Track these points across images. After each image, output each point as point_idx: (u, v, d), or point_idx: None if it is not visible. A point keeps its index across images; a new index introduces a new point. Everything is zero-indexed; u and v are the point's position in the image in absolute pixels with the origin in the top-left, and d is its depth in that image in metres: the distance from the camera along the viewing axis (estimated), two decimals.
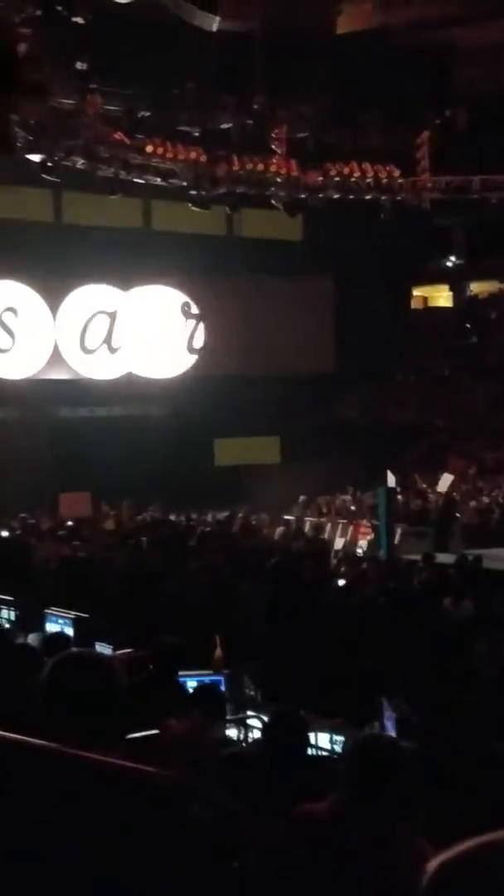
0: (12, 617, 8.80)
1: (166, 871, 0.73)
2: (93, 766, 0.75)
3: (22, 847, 0.69)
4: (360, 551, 14.94)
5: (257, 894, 2.68)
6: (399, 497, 16.61)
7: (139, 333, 20.56)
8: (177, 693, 5.45)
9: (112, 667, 2.44)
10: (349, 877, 2.98)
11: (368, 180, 16.21)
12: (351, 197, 16.21)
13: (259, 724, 5.66)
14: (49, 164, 14.86)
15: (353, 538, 15.93)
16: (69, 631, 7.69)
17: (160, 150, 15.20)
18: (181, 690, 5.63)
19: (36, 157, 14.72)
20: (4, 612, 8.98)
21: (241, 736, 5.91)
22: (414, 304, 25.66)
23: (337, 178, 16.07)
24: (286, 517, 17.27)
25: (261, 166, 15.78)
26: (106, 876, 0.71)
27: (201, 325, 21.13)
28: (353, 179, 16.11)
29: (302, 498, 18.53)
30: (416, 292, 25.76)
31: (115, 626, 7.80)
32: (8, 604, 9.14)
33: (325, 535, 15.94)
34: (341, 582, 11.34)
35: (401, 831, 3.12)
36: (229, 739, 5.47)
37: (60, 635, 7.25)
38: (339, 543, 15.48)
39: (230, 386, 20.63)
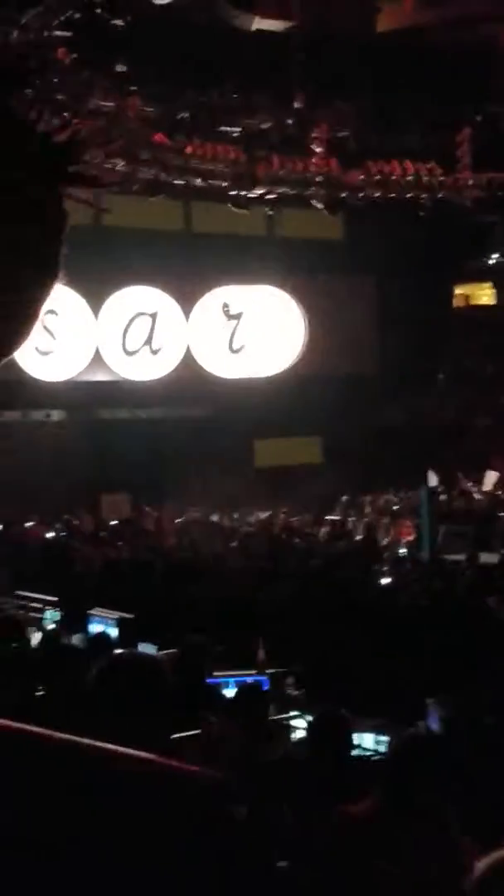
0: (57, 618, 8.86)
1: (209, 872, 0.71)
2: (142, 766, 0.74)
3: (63, 844, 0.68)
4: (402, 551, 14.86)
5: (300, 894, 2.66)
6: (442, 497, 16.50)
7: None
8: (204, 692, 5.45)
9: (160, 667, 2.44)
10: (391, 877, 2.96)
11: (409, 178, 16.09)
12: (392, 195, 16.09)
13: (303, 725, 5.64)
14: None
15: (395, 538, 15.85)
16: (113, 631, 7.73)
17: (200, 151, 15.21)
18: (209, 689, 5.63)
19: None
20: (49, 614, 9.05)
21: (285, 737, 5.89)
22: (456, 303, 25.44)
23: (378, 177, 15.97)
24: (328, 517, 17.23)
25: (301, 166, 15.72)
26: (147, 875, 0.69)
27: (241, 326, 21.16)
28: (393, 178, 16.00)
29: (344, 498, 18.47)
30: (458, 290, 25.53)
31: (158, 627, 7.81)
32: (52, 605, 9.20)
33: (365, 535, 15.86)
34: (385, 582, 11.30)
35: (443, 831, 3.08)
36: (273, 741, 5.45)
37: (104, 636, 7.29)
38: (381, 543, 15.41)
39: (270, 387, 20.63)
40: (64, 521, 16.29)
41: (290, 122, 16.27)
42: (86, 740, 0.73)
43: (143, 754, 0.74)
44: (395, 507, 17.91)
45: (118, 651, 6.17)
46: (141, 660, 2.62)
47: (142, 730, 2.08)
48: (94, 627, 8.10)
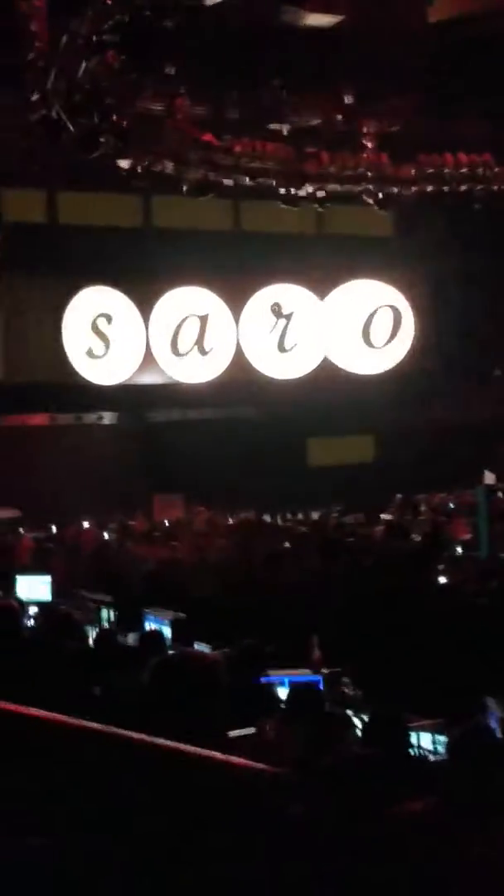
0: (112, 617, 8.92)
1: (266, 865, 0.68)
2: (201, 762, 0.70)
3: (125, 831, 0.65)
4: (459, 550, 14.70)
5: (355, 893, 2.63)
6: (500, 494, 16.29)
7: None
8: (259, 691, 5.46)
9: (216, 666, 2.43)
10: (448, 876, 2.92)
11: (463, 171, 15.85)
12: (445, 189, 15.88)
13: (359, 725, 5.58)
14: (138, 169, 14.96)
15: (452, 537, 15.68)
16: (166, 631, 7.74)
17: (249, 150, 15.17)
18: (263, 688, 5.63)
19: (125, 164, 14.83)
20: (104, 613, 9.11)
21: (342, 736, 5.83)
22: None
23: (430, 171, 15.78)
24: (383, 516, 17.11)
25: (352, 162, 15.59)
26: (209, 865, 0.66)
27: (292, 325, 21.11)
28: (447, 171, 15.79)
29: (398, 497, 18.33)
30: None
31: (211, 627, 7.80)
32: (107, 604, 9.26)
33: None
34: (442, 581, 11.21)
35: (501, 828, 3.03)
36: (329, 740, 5.40)
37: (156, 634, 7.30)
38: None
39: (323, 385, 20.57)
40: (118, 521, 16.40)
41: (339, 117, 16.15)
42: (146, 737, 0.70)
43: (203, 751, 0.70)
44: (450, 506, 17.72)
45: (175, 650, 6.18)
46: (197, 658, 2.61)
47: (198, 727, 2.06)
48: (148, 627, 8.12)
